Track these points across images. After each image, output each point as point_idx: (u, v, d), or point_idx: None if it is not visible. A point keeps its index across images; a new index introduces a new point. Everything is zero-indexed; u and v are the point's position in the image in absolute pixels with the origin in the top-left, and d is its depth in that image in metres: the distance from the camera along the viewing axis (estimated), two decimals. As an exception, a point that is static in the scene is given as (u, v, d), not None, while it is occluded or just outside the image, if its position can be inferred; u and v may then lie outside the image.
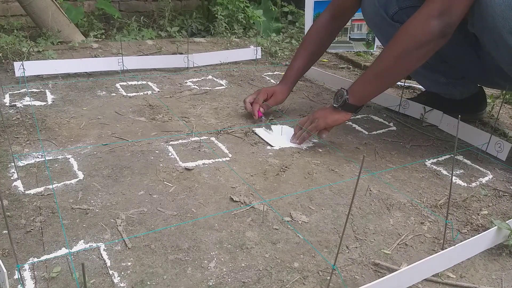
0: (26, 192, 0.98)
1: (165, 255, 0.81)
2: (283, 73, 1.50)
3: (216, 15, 2.79)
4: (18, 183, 1.01)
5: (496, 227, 0.86)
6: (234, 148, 1.25)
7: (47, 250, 0.80)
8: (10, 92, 1.56)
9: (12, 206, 0.93)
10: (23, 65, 1.63)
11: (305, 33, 1.51)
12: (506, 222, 0.87)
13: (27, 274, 0.75)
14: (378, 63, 1.17)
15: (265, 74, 2.01)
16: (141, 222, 0.90)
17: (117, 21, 2.87)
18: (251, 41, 2.61)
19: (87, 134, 1.28)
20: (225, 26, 2.77)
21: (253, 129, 1.38)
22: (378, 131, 1.43)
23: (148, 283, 0.74)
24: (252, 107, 1.41)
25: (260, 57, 2.20)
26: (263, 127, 1.38)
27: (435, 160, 1.25)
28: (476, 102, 1.54)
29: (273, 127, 1.40)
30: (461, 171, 1.20)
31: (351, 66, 2.25)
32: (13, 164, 1.08)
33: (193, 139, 1.29)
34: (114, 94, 1.62)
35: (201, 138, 1.30)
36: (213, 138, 1.31)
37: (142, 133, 1.31)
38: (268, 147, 1.27)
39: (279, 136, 1.34)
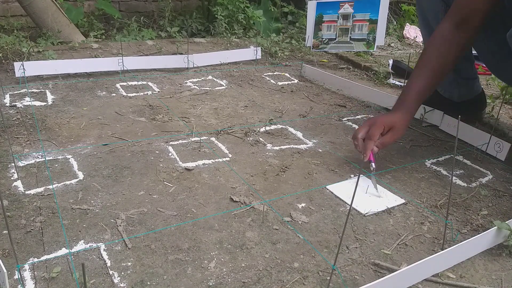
0: (26, 192, 0.98)
1: (165, 255, 0.81)
2: (398, 96, 1.19)
3: (216, 15, 2.79)
4: (18, 183, 1.01)
5: (495, 227, 0.86)
6: (234, 148, 1.25)
7: (47, 250, 0.81)
8: (10, 92, 1.56)
9: (12, 206, 0.93)
10: (23, 65, 1.63)
11: (423, 48, 1.25)
12: (506, 222, 0.87)
13: (27, 274, 0.75)
14: None
15: (265, 74, 2.01)
16: (141, 222, 0.90)
17: (117, 21, 2.87)
18: (251, 41, 2.61)
19: (87, 134, 1.28)
20: (225, 27, 2.77)
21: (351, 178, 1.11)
22: (378, 131, 1.43)
23: (148, 283, 0.75)
24: (365, 146, 1.08)
25: (260, 57, 2.20)
26: (372, 178, 1.07)
27: (435, 160, 1.25)
28: (475, 106, 1.53)
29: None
30: (461, 171, 1.20)
31: (351, 67, 2.25)
32: (13, 164, 1.08)
33: (193, 139, 1.29)
34: (114, 94, 1.62)
35: (201, 138, 1.30)
36: (213, 138, 1.31)
37: (142, 133, 1.31)
38: (268, 147, 1.27)
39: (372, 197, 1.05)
